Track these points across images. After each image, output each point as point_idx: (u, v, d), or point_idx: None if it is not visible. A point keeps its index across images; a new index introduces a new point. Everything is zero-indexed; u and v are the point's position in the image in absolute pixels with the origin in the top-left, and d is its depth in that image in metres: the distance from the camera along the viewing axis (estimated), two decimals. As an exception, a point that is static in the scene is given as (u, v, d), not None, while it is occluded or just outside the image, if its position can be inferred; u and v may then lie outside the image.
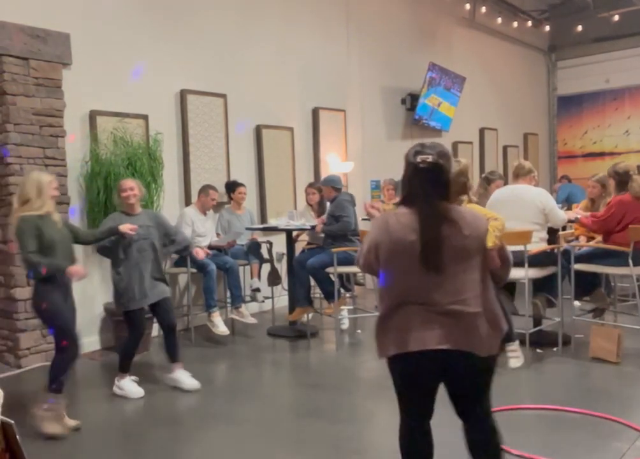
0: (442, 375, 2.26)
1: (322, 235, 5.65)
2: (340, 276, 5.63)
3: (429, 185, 2.18)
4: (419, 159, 2.19)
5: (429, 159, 2.18)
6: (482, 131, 10.43)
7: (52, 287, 3.53)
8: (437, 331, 2.15)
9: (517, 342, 2.12)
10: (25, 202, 3.56)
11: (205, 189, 5.73)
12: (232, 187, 6.17)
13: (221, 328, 5.28)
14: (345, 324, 5.82)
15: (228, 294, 5.68)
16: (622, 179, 4.79)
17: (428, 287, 2.15)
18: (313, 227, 5.82)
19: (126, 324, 4.17)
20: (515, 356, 2.13)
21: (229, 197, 6.21)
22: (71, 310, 3.67)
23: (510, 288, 5.02)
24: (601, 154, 11.79)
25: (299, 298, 5.60)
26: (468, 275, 2.17)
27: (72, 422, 3.52)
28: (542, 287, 4.88)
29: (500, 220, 2.88)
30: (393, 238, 2.16)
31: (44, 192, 3.58)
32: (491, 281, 2.26)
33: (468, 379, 2.27)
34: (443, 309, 2.15)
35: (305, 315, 5.70)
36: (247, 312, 5.62)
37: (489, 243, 2.21)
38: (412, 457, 2.42)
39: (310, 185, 6.40)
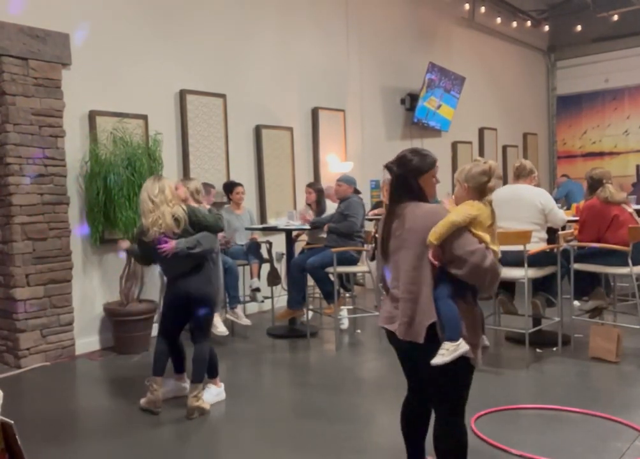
0: (400, 353, 2.55)
1: (324, 235, 5.66)
2: (340, 276, 5.64)
3: (393, 187, 2.47)
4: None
5: (388, 165, 2.48)
6: (481, 131, 10.44)
7: None
8: (385, 311, 2.51)
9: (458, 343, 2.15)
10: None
11: (205, 188, 5.75)
12: (229, 187, 6.16)
13: (220, 329, 5.27)
14: (345, 324, 5.82)
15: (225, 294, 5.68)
16: (594, 184, 4.91)
17: (386, 273, 2.52)
18: (312, 228, 5.82)
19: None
20: (441, 353, 2.10)
21: (227, 197, 6.20)
22: None
23: (510, 288, 5.04)
24: (600, 154, 11.80)
25: (292, 299, 5.64)
26: (402, 264, 2.38)
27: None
28: (542, 286, 4.88)
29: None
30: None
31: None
32: (429, 276, 2.30)
33: (413, 364, 2.49)
34: (390, 292, 2.48)
35: (304, 316, 5.71)
36: (242, 313, 5.67)
37: (431, 238, 2.28)
38: (403, 426, 2.67)
39: (309, 185, 6.41)
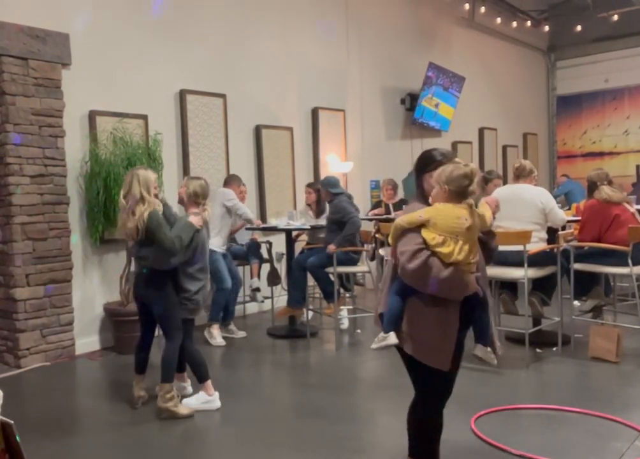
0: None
1: (323, 235, 5.65)
2: (340, 276, 5.63)
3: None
4: None
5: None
6: (481, 131, 10.44)
7: None
8: None
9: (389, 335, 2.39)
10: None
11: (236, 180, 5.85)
12: None
13: (218, 340, 5.35)
14: (345, 324, 5.82)
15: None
16: (590, 186, 4.97)
17: None
18: (312, 228, 5.82)
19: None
20: (374, 341, 2.46)
21: None
22: None
23: (513, 288, 5.04)
24: (600, 154, 11.80)
25: (291, 298, 5.64)
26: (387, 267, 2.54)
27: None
28: (538, 286, 4.89)
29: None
30: None
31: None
32: (390, 274, 2.44)
33: None
34: None
35: (304, 315, 5.71)
36: (235, 328, 5.69)
37: (389, 237, 2.42)
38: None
39: (309, 185, 6.41)
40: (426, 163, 2.50)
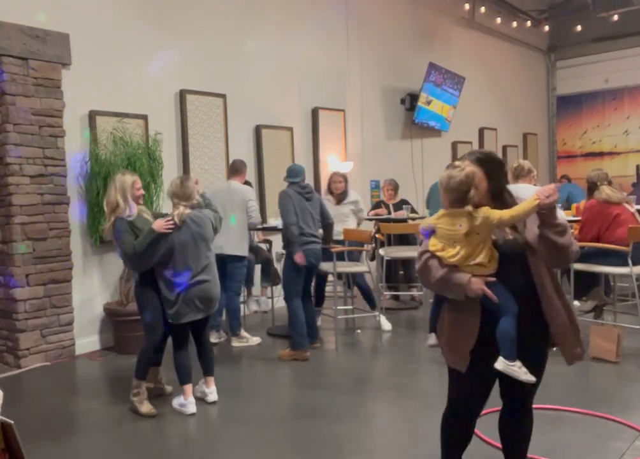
0: None
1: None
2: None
3: None
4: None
5: None
6: (481, 131, 10.44)
7: None
8: None
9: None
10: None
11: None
12: None
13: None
14: (386, 326, 5.75)
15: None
16: (590, 187, 5.00)
17: None
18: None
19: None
20: None
21: None
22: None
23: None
24: (600, 154, 11.80)
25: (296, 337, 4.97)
26: None
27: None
28: None
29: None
30: None
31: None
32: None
33: None
34: None
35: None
36: (247, 334, 5.51)
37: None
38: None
39: (337, 173, 6.21)
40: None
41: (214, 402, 3.91)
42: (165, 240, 3.69)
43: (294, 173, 5.15)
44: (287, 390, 4.35)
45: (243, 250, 5.29)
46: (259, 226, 5.76)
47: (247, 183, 5.67)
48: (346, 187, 6.06)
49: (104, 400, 4.13)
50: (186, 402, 3.78)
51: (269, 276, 6.13)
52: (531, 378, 2.36)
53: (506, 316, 2.28)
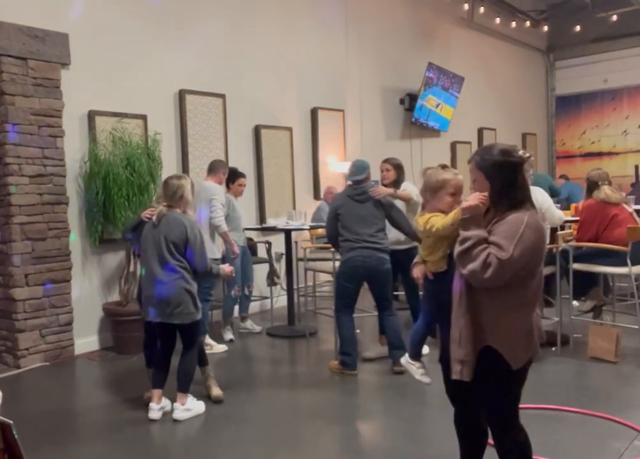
0: None
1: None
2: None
3: None
4: (526, 153, 2.16)
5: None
6: (480, 131, 10.44)
7: None
8: None
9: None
10: None
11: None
12: (232, 176, 5.55)
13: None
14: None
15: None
16: (591, 186, 4.99)
17: None
18: (311, 228, 5.77)
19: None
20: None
21: (227, 186, 5.55)
22: None
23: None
24: (599, 154, 11.81)
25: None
26: None
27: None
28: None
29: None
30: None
31: None
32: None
33: None
34: None
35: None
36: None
37: None
38: None
39: (386, 161, 5.20)
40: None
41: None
42: (141, 229, 3.75)
43: (353, 171, 4.68)
44: (286, 390, 4.35)
45: (211, 253, 4.56)
46: (223, 228, 5.02)
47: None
48: (398, 176, 5.04)
49: (104, 400, 4.12)
50: (157, 407, 3.67)
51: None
52: (425, 380, 2.55)
53: (422, 320, 2.52)
